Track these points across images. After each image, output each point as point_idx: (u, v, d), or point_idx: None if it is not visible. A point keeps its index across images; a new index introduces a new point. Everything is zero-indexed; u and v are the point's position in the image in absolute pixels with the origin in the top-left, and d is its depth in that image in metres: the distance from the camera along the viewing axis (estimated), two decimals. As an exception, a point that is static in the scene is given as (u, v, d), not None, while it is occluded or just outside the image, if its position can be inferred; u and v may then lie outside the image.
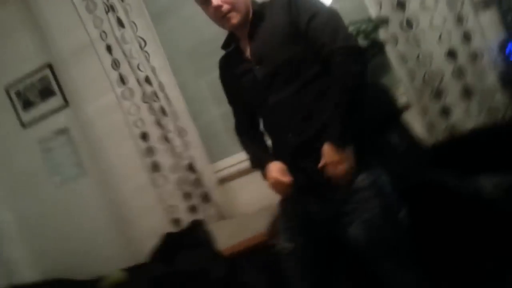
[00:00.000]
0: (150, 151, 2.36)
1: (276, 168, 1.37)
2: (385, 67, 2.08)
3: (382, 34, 2.00)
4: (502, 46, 1.87)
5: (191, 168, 2.31)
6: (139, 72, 2.30)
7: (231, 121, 1.60)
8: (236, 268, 1.84)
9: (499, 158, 1.64)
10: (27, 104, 2.62)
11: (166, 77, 2.31)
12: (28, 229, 2.69)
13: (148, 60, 2.30)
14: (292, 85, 1.30)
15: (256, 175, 1.48)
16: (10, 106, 2.63)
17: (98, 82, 2.43)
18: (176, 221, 2.36)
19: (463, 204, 1.60)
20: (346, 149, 1.25)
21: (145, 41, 2.31)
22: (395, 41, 1.98)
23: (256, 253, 1.80)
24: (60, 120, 2.57)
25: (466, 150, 1.77)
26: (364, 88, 1.27)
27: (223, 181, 2.34)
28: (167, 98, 2.31)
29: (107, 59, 2.36)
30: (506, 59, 1.87)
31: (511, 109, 1.91)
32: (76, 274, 2.37)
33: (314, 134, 1.30)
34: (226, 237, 1.98)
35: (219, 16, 1.34)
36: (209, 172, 2.33)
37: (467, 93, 1.94)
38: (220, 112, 2.44)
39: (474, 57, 1.93)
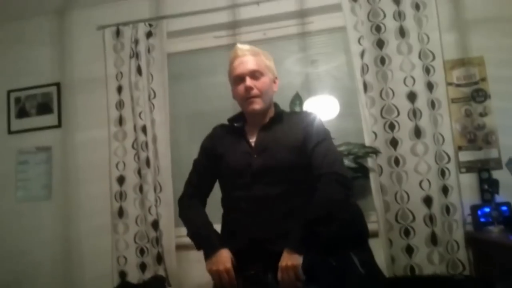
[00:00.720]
0: (121, 196, 2.36)
1: (229, 258, 1.36)
2: (365, 190, 2.18)
3: (370, 162, 2.12)
4: (474, 209, 1.99)
5: (155, 225, 2.29)
6: (139, 120, 2.36)
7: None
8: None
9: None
10: (22, 113, 2.63)
11: (161, 132, 2.37)
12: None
13: (151, 111, 2.38)
14: (280, 186, 1.39)
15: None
16: (5, 110, 2.64)
17: (96, 115, 2.48)
18: (122, 274, 2.29)
19: None
20: (300, 258, 1.27)
21: (155, 94, 2.40)
22: (380, 172, 2.10)
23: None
24: (47, 137, 2.57)
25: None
26: (340, 211, 1.34)
27: (181, 248, 2.29)
28: (155, 151, 2.35)
29: (114, 98, 2.44)
30: (475, 222, 1.98)
31: (470, 268, 1.99)
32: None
33: (276, 235, 1.33)
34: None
35: (246, 96, 1.47)
36: (170, 235, 2.30)
37: (433, 239, 2.02)
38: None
39: (447, 210, 2.04)
